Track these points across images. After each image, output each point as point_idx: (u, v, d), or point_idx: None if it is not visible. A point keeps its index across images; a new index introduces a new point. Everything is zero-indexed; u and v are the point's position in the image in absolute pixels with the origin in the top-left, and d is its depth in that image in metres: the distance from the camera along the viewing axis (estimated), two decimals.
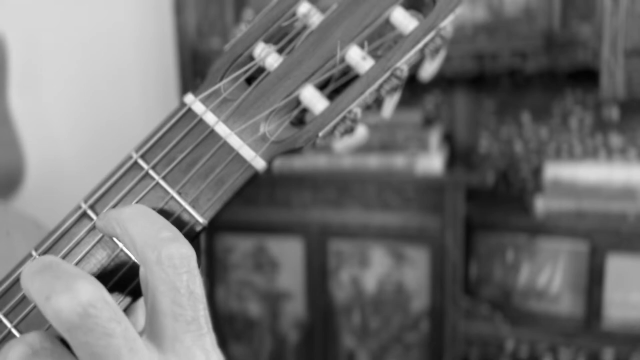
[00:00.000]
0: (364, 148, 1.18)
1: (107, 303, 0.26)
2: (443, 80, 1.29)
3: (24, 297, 0.32)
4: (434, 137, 1.19)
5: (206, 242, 1.29)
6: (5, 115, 0.91)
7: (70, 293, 0.25)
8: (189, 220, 0.33)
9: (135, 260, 0.32)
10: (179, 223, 0.33)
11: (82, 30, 1.33)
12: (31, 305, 0.32)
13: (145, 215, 0.30)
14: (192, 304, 0.28)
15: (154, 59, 1.41)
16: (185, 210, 0.33)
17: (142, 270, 0.30)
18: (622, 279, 1.11)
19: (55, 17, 1.29)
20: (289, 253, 1.26)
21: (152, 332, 0.28)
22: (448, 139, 1.33)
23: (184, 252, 0.28)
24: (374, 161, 1.18)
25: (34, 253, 0.33)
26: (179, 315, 0.28)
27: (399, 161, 1.17)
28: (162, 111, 1.41)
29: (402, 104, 0.38)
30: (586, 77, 1.15)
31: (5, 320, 0.32)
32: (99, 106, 1.36)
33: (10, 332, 0.31)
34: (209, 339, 0.29)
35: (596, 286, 1.12)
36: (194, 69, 1.30)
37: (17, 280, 0.32)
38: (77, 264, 0.32)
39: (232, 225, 1.28)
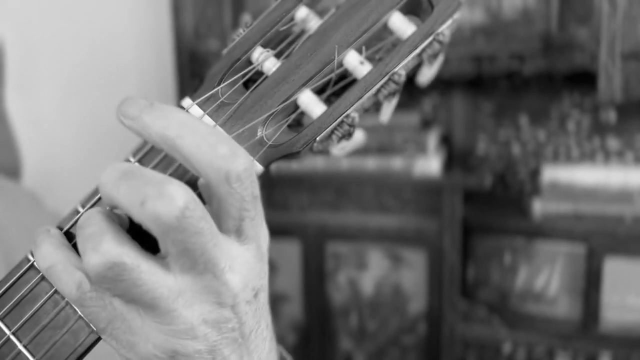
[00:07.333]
0: (362, 150, 1.18)
1: (198, 204, 0.28)
2: (441, 83, 1.29)
3: (20, 301, 0.32)
4: (432, 139, 1.19)
5: None
6: (2, 116, 0.91)
7: (165, 198, 0.27)
8: None
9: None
10: None
11: (79, 31, 1.32)
12: (31, 310, 0.32)
13: (192, 128, 0.29)
14: (254, 205, 0.30)
15: (151, 61, 1.41)
16: None
17: (201, 181, 0.31)
18: (620, 281, 1.11)
19: (52, 18, 1.29)
20: (286, 255, 1.26)
21: (220, 228, 0.30)
22: (446, 141, 1.33)
23: (246, 166, 0.29)
24: (371, 163, 1.18)
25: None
26: (246, 217, 0.30)
27: (396, 163, 1.17)
28: None
29: (400, 106, 0.38)
30: (584, 80, 1.15)
31: (2, 325, 0.32)
32: (96, 108, 1.36)
33: (9, 338, 0.31)
34: (263, 217, 0.33)
35: (593, 289, 1.12)
36: (192, 71, 1.29)
37: (13, 284, 0.32)
38: None
39: None
